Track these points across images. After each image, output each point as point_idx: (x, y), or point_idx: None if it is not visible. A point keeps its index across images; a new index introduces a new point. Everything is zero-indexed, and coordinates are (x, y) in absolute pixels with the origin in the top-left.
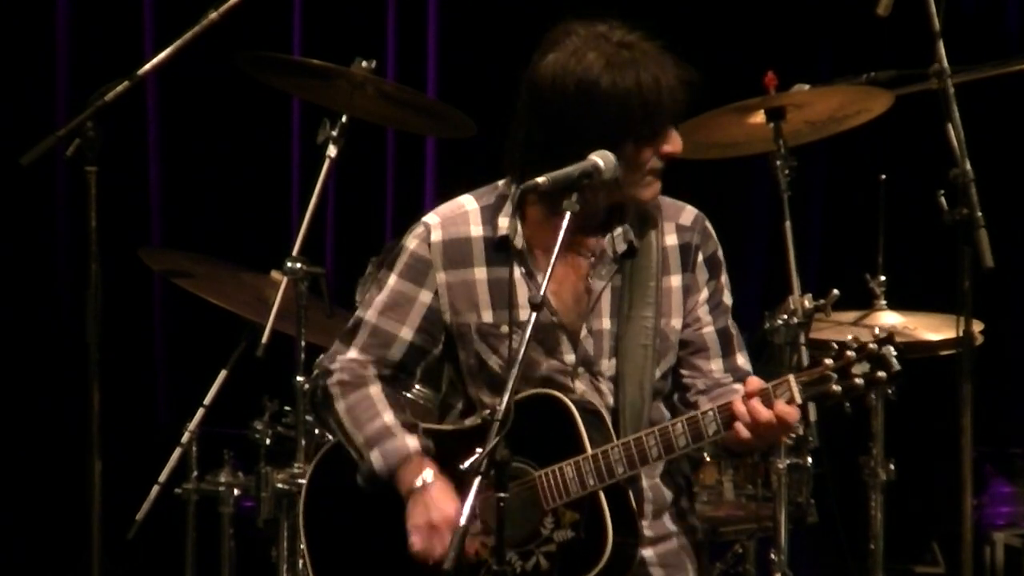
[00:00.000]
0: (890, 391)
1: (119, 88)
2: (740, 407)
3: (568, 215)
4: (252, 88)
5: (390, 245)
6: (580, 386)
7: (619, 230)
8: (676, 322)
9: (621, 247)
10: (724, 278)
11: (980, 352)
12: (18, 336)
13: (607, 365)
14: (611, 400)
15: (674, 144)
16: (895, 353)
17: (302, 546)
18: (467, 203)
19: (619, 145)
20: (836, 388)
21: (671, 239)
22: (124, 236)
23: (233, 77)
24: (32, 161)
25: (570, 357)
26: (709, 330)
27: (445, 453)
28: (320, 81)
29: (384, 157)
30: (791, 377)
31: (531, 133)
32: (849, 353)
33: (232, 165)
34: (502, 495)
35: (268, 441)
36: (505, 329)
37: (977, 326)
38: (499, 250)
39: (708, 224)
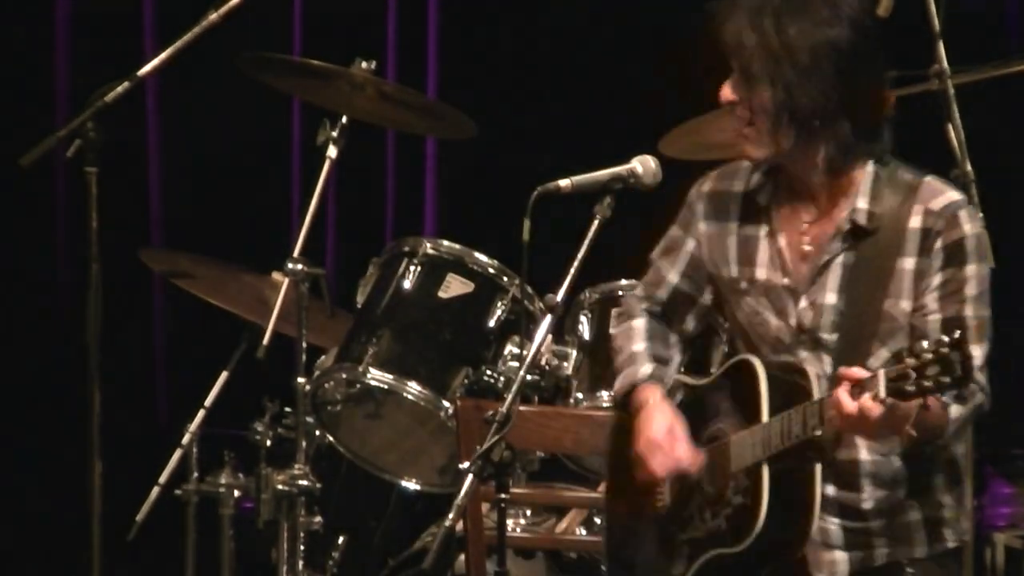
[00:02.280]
0: (949, 396)
1: (119, 89)
2: (833, 396)
3: (597, 220)
4: (252, 89)
5: (391, 245)
6: (803, 353)
7: (853, 206)
8: (906, 304)
9: (847, 225)
10: (972, 269)
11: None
12: (18, 337)
13: (828, 338)
14: (830, 371)
15: (725, 91)
16: (960, 359)
17: None
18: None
19: None
20: (910, 388)
21: (915, 221)
22: (124, 237)
23: (233, 78)
24: (32, 162)
25: (793, 322)
26: (934, 318)
27: (690, 405)
28: (320, 82)
29: (384, 158)
30: (881, 372)
31: None
32: (926, 355)
33: (232, 166)
34: (502, 497)
35: (268, 442)
36: (744, 285)
37: None
38: (750, 207)
39: (963, 212)
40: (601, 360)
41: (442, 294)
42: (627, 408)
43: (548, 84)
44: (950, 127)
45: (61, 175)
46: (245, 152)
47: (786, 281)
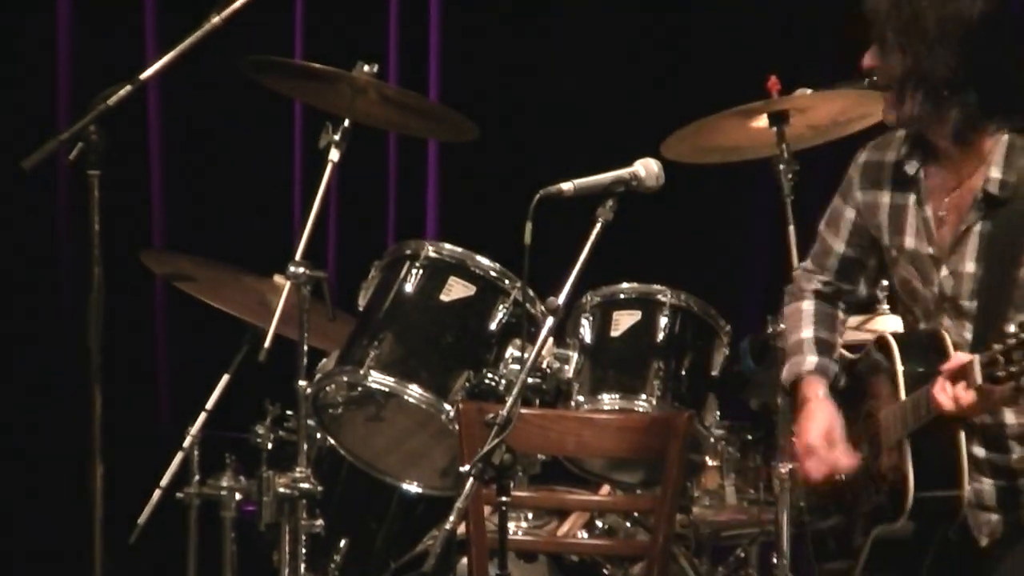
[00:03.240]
0: None
1: (121, 92)
2: (930, 393)
3: (600, 223)
4: (254, 92)
5: (393, 249)
6: (946, 320)
7: (987, 175)
8: None
9: (981, 195)
10: None
11: None
12: (20, 339)
13: (968, 306)
14: (970, 338)
15: (866, 57)
16: None
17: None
18: (902, 131)
19: None
20: (1001, 373)
21: None
22: (126, 239)
23: (235, 81)
24: (34, 165)
25: (936, 290)
26: None
27: (851, 383)
28: (322, 85)
29: (386, 161)
30: (976, 359)
31: None
32: (1010, 340)
33: (234, 169)
34: (504, 500)
35: (270, 445)
36: (895, 254)
37: None
38: (899, 176)
39: None
40: (602, 363)
41: (444, 297)
42: (793, 397)
43: (550, 87)
44: None
45: (63, 178)
46: (247, 155)
47: (931, 250)
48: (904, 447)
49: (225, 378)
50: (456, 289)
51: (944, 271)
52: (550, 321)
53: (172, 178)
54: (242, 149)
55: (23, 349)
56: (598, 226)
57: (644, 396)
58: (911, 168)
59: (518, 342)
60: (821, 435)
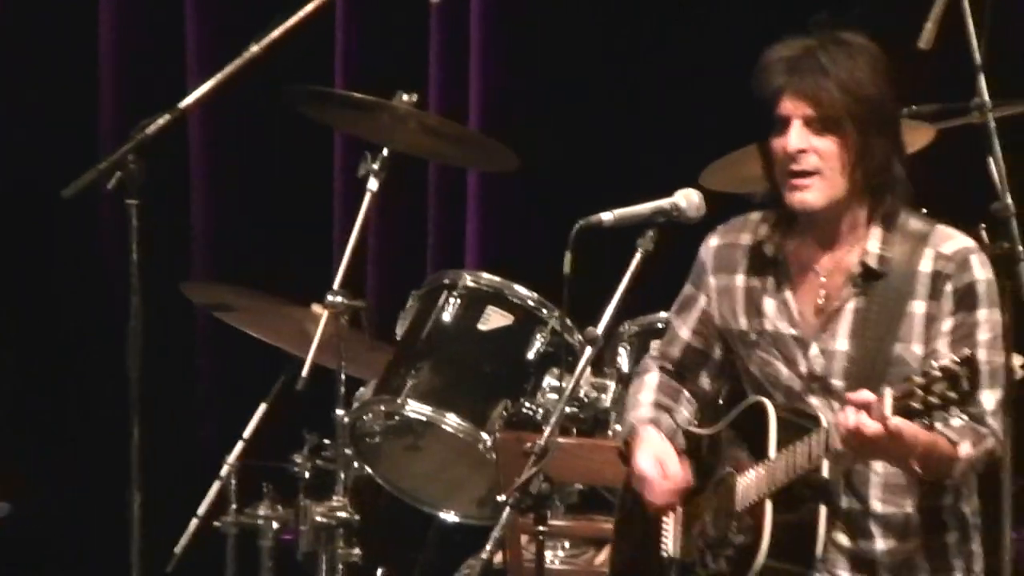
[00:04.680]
0: (955, 412)
1: (161, 121)
2: (837, 418)
3: (640, 253)
4: (294, 121)
5: (431, 278)
6: (815, 401)
7: (863, 250)
8: (916, 348)
9: (859, 269)
10: (983, 313)
11: (1021, 385)
12: (60, 368)
13: (840, 385)
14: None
15: (785, 140)
16: (969, 375)
17: None
18: (754, 213)
19: (765, 138)
20: (917, 406)
21: (926, 265)
22: (166, 269)
23: (275, 110)
24: (74, 195)
25: (804, 370)
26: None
27: (696, 453)
28: (362, 114)
29: (425, 190)
30: (887, 391)
31: None
32: (934, 372)
33: (274, 198)
34: (541, 529)
35: (307, 474)
36: (754, 337)
37: (1017, 360)
38: (757, 258)
39: (973, 257)
40: None
41: (482, 326)
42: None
43: (591, 116)
44: (991, 161)
45: (104, 208)
46: (286, 184)
47: (794, 331)
48: (764, 507)
49: (263, 407)
50: (494, 318)
51: (814, 350)
52: (588, 350)
53: (212, 207)
54: (281, 178)
55: (64, 378)
56: (638, 256)
57: None
58: (770, 249)
59: (556, 371)
60: (652, 461)
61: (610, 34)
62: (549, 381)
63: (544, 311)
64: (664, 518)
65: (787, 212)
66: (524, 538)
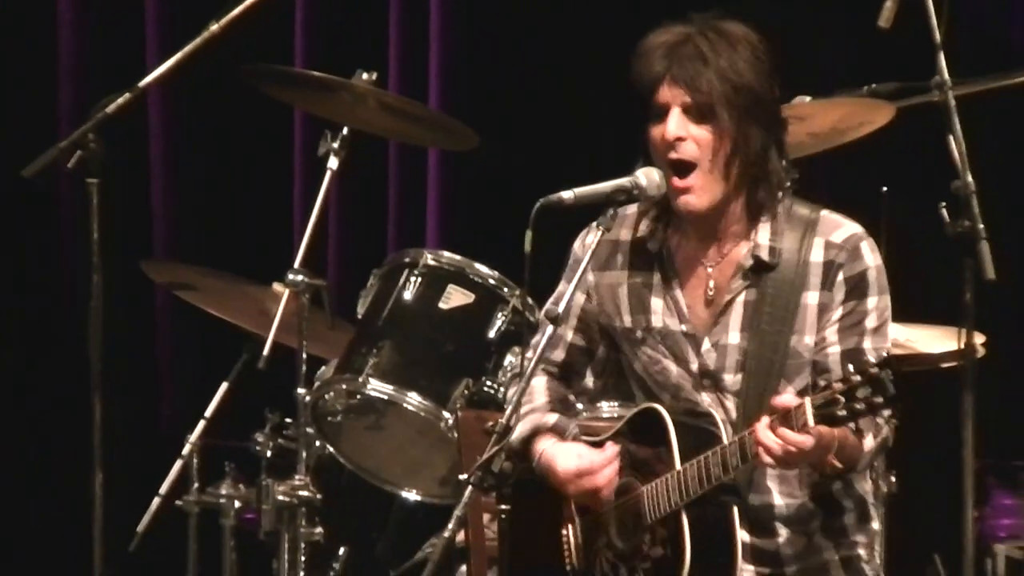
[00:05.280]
0: (886, 414)
1: (121, 100)
2: (756, 433)
3: (600, 232)
4: (254, 100)
5: (392, 257)
6: (706, 398)
7: (753, 242)
8: (809, 340)
9: (749, 261)
10: (872, 301)
11: (981, 364)
12: (20, 347)
13: (732, 380)
14: (735, 415)
15: (663, 128)
16: (891, 378)
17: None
18: (632, 208)
19: (646, 128)
20: (841, 413)
21: (817, 255)
22: (126, 248)
23: (235, 89)
24: (34, 174)
25: (695, 367)
26: (834, 350)
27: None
28: (322, 93)
29: (386, 169)
30: (807, 400)
31: None
32: (854, 377)
33: (234, 177)
34: (503, 507)
35: (269, 453)
36: (640, 334)
37: (979, 338)
38: (640, 254)
39: (864, 244)
40: None
41: (443, 305)
42: (526, 459)
43: (551, 95)
44: (951, 139)
45: (63, 186)
46: (247, 163)
47: (684, 327)
48: (680, 519)
49: (224, 386)
50: (455, 297)
51: (706, 345)
52: (550, 329)
53: (172, 186)
54: (242, 157)
55: (24, 357)
56: (599, 235)
57: (607, 404)
58: (654, 245)
59: (517, 350)
60: (574, 457)
61: (569, 12)
62: (510, 360)
63: (505, 290)
64: (563, 530)
65: (667, 205)
66: (486, 517)
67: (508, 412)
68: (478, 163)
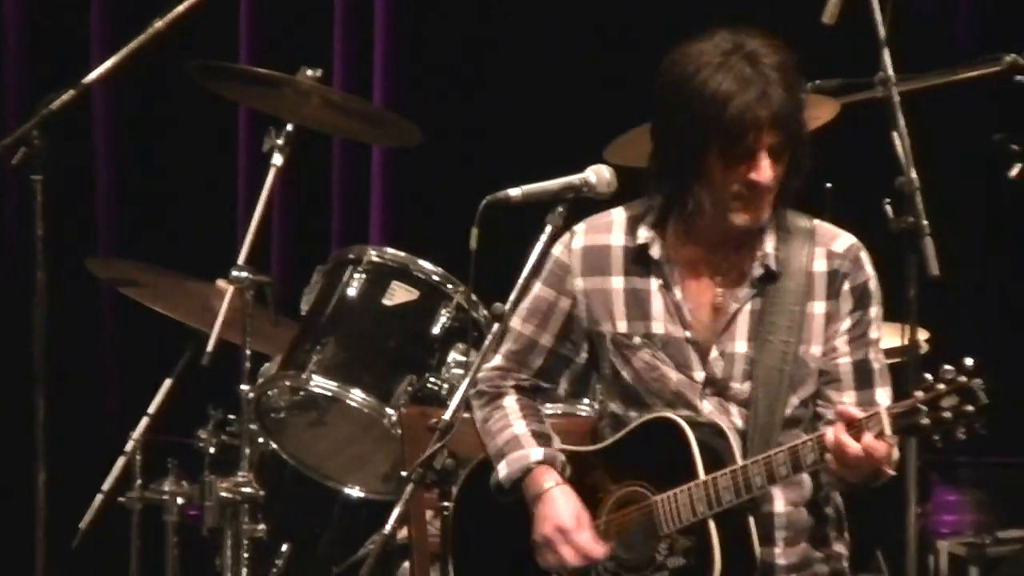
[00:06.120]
0: (978, 425)
1: (65, 97)
2: (831, 438)
3: (549, 229)
4: (198, 96)
5: (336, 253)
6: (707, 406)
7: (760, 252)
8: (816, 349)
9: (759, 271)
10: (874, 311)
11: (925, 360)
12: None
13: (739, 388)
14: (740, 423)
15: (760, 173)
16: (983, 386)
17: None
18: (616, 213)
19: (703, 156)
20: (925, 422)
21: (820, 265)
22: (70, 245)
23: (179, 85)
24: None
25: (699, 375)
26: (845, 361)
27: (583, 474)
28: (266, 89)
29: (330, 165)
30: (883, 409)
31: (652, 134)
32: (939, 386)
33: (178, 173)
34: (445, 504)
35: (212, 450)
36: (637, 340)
37: (922, 334)
38: (638, 260)
39: (863, 255)
40: None
41: (387, 301)
42: (520, 493)
43: (496, 92)
44: (896, 135)
45: (7, 183)
46: (191, 159)
47: (688, 334)
48: (708, 528)
49: (168, 382)
50: (399, 294)
51: (714, 353)
52: (496, 326)
53: (116, 183)
54: (186, 153)
55: None
56: (547, 233)
57: (587, 400)
58: (656, 251)
59: (461, 346)
60: (573, 518)
61: (514, 9)
62: (454, 356)
63: (449, 286)
64: None
65: (666, 213)
66: (429, 513)
67: (451, 409)
68: (423, 159)
